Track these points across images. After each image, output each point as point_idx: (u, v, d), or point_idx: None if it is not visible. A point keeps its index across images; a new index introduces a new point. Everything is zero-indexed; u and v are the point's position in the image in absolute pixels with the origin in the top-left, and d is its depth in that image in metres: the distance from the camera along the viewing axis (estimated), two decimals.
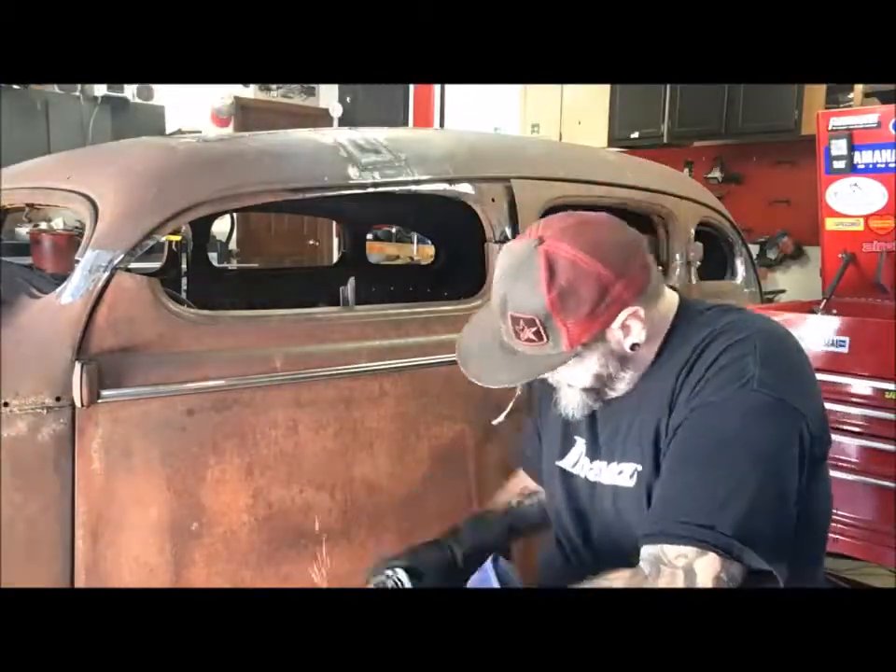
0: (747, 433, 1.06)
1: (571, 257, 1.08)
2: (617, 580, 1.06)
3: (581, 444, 1.29)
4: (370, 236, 4.21)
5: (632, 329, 1.14)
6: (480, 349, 1.20)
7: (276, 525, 1.56)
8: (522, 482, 1.50)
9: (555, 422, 1.32)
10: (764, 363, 1.09)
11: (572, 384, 1.21)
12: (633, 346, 1.15)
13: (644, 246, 1.17)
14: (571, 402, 1.22)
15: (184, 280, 2.75)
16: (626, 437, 1.21)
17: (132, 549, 1.43)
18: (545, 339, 1.11)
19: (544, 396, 1.36)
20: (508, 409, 1.82)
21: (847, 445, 2.43)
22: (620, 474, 1.20)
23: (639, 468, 1.17)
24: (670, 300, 1.22)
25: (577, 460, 1.29)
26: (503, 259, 1.15)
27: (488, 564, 1.17)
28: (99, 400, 1.36)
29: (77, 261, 1.42)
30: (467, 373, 1.19)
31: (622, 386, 1.20)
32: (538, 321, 1.09)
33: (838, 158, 2.92)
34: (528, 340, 1.12)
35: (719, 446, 1.06)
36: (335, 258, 5.37)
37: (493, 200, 1.90)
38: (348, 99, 7.95)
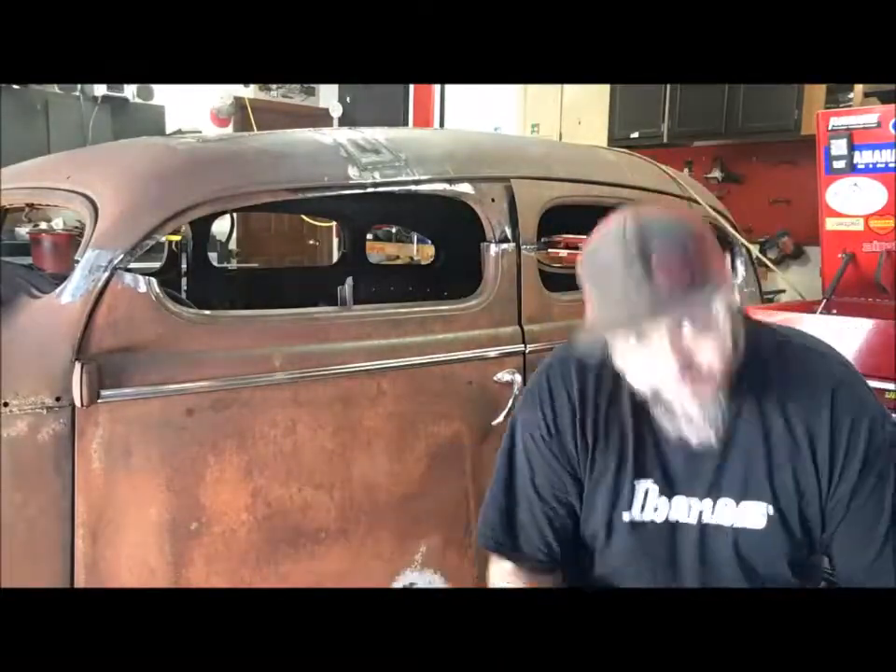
0: None
1: None
2: None
3: (646, 484, 1.14)
4: (370, 236, 4.21)
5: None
6: None
7: (275, 525, 1.57)
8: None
9: (609, 460, 1.16)
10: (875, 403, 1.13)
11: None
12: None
13: None
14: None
15: (184, 280, 2.75)
16: (748, 472, 1.11)
17: (132, 549, 1.43)
18: None
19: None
20: (506, 409, 1.83)
21: None
22: (744, 514, 1.11)
23: (770, 508, 1.10)
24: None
25: (647, 504, 1.14)
26: None
27: None
28: (99, 400, 1.36)
29: (77, 261, 1.42)
30: None
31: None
32: None
33: (838, 158, 2.92)
34: None
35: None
36: (335, 258, 5.36)
37: (493, 200, 1.90)
38: (348, 99, 7.93)
